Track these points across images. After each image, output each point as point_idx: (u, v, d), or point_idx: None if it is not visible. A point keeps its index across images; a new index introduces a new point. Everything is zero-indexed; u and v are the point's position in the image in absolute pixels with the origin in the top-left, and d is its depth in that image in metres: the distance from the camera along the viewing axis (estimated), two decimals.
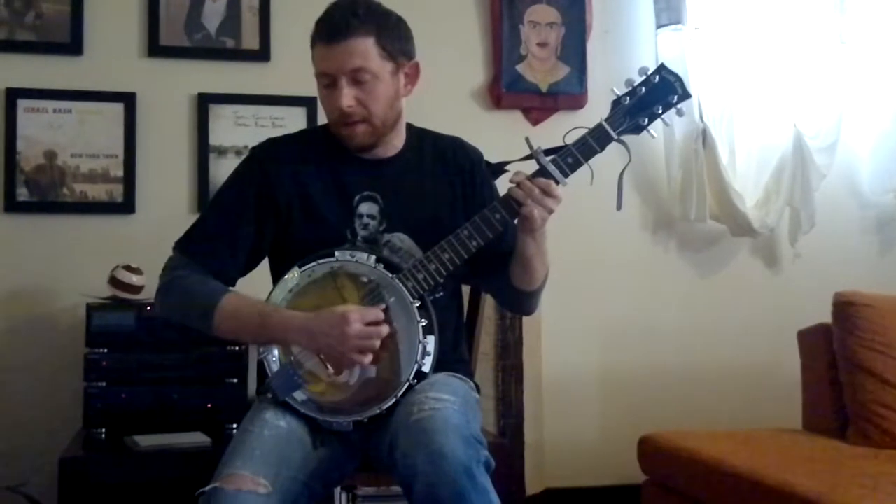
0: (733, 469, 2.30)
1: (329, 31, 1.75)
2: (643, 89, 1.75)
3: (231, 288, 1.80)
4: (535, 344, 3.06)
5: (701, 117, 3.25)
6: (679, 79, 1.77)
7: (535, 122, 3.25)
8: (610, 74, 3.32)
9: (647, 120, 1.76)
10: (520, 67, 3.25)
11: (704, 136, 3.24)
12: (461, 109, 3.21)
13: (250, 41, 3.08)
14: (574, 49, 3.29)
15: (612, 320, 3.32)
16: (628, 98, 1.76)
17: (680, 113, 1.78)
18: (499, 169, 1.95)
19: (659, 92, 1.75)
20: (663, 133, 3.30)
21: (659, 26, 3.29)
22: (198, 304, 1.75)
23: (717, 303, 3.39)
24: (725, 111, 3.31)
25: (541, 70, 3.27)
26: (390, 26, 1.79)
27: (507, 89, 3.23)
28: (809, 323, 2.80)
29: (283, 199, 1.83)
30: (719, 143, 3.26)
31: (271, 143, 1.92)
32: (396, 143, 1.89)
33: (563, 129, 1.78)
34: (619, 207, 1.81)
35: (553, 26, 3.29)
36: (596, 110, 3.30)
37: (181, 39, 3.03)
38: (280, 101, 3.04)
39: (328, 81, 1.77)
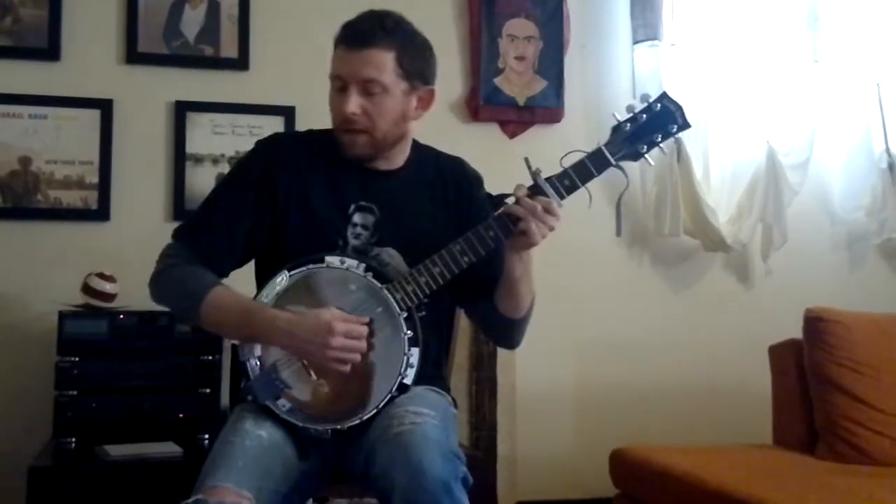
0: (703, 483, 2.31)
1: (352, 36, 1.75)
2: (644, 116, 1.74)
3: (222, 281, 1.78)
4: (509, 357, 3.05)
5: None
6: (680, 108, 1.76)
7: (512, 136, 3.26)
8: (587, 89, 3.35)
9: (645, 147, 1.75)
10: (497, 80, 3.27)
11: (679, 152, 3.25)
12: (439, 121, 3.18)
13: (229, 49, 3.07)
14: (551, 63, 3.31)
15: (586, 334, 3.33)
16: (629, 124, 1.74)
17: (677, 142, 1.76)
18: (500, 201, 1.85)
19: (659, 120, 1.74)
20: None
21: (635, 42, 3.33)
22: (187, 293, 1.74)
23: (690, 317, 3.41)
24: (700, 127, 3.32)
25: (518, 83, 3.29)
26: (414, 46, 1.79)
27: (484, 102, 3.25)
28: (780, 338, 2.83)
29: (283, 194, 1.81)
30: (693, 159, 3.28)
31: (277, 137, 1.91)
32: (398, 159, 1.87)
33: (539, 142, 1.79)
34: (618, 233, 1.79)
35: (531, 40, 3.31)
36: (572, 124, 3.36)
37: (159, 46, 3.02)
38: (258, 109, 3.04)
39: (340, 85, 1.77)
